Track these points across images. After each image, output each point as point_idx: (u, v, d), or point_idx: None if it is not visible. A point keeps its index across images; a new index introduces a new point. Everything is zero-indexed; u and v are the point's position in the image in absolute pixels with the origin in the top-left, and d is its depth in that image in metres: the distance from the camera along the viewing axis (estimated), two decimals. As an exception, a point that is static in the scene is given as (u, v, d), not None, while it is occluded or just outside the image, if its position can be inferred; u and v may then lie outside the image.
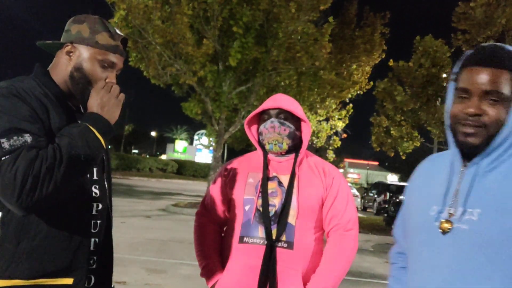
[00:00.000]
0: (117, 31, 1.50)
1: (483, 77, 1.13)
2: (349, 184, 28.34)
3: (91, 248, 1.42)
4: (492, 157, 1.14)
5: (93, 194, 1.44)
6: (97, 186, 1.46)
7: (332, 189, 1.90)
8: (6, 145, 1.19)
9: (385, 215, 13.80)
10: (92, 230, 1.43)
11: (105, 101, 1.39)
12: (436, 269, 1.15)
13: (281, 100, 1.95)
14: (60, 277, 1.33)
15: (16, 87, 1.31)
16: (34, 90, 1.35)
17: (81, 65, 1.43)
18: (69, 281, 1.34)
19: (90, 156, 1.28)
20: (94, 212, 1.44)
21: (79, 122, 1.37)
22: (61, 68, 1.46)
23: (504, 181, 1.11)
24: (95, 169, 1.46)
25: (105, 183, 1.52)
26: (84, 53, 1.43)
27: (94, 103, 1.38)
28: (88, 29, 1.44)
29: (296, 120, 1.96)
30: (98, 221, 1.45)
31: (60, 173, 1.20)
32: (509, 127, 1.13)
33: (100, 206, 1.46)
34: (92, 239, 1.43)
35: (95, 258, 1.44)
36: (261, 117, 1.98)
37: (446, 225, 1.14)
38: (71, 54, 1.44)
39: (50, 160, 1.19)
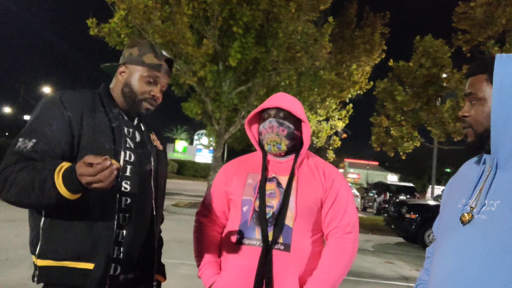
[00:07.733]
0: (164, 53, 1.74)
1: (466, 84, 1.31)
2: (349, 184, 28.44)
3: (119, 239, 1.52)
4: (505, 151, 1.20)
5: (122, 189, 1.54)
6: (128, 182, 1.56)
7: (332, 191, 1.86)
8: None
9: (385, 215, 13.77)
10: (121, 223, 1.53)
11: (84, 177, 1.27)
12: (450, 257, 1.21)
13: (281, 100, 1.92)
14: (81, 261, 1.46)
15: (61, 96, 1.54)
16: (81, 99, 1.56)
17: (129, 81, 1.68)
18: (90, 266, 1.46)
19: (35, 204, 1.38)
20: (122, 206, 1.54)
21: (62, 164, 1.34)
22: (116, 86, 1.71)
23: None
24: (128, 167, 1.57)
25: (152, 183, 1.65)
26: (132, 71, 1.68)
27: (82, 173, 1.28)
28: (137, 51, 1.70)
29: (296, 120, 1.92)
30: (127, 215, 1.55)
31: (10, 193, 1.37)
32: (495, 122, 1.20)
33: (129, 200, 1.55)
34: (121, 231, 1.53)
35: (122, 249, 1.53)
36: (261, 116, 1.96)
37: (466, 217, 1.21)
38: (123, 73, 1.70)
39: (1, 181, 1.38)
